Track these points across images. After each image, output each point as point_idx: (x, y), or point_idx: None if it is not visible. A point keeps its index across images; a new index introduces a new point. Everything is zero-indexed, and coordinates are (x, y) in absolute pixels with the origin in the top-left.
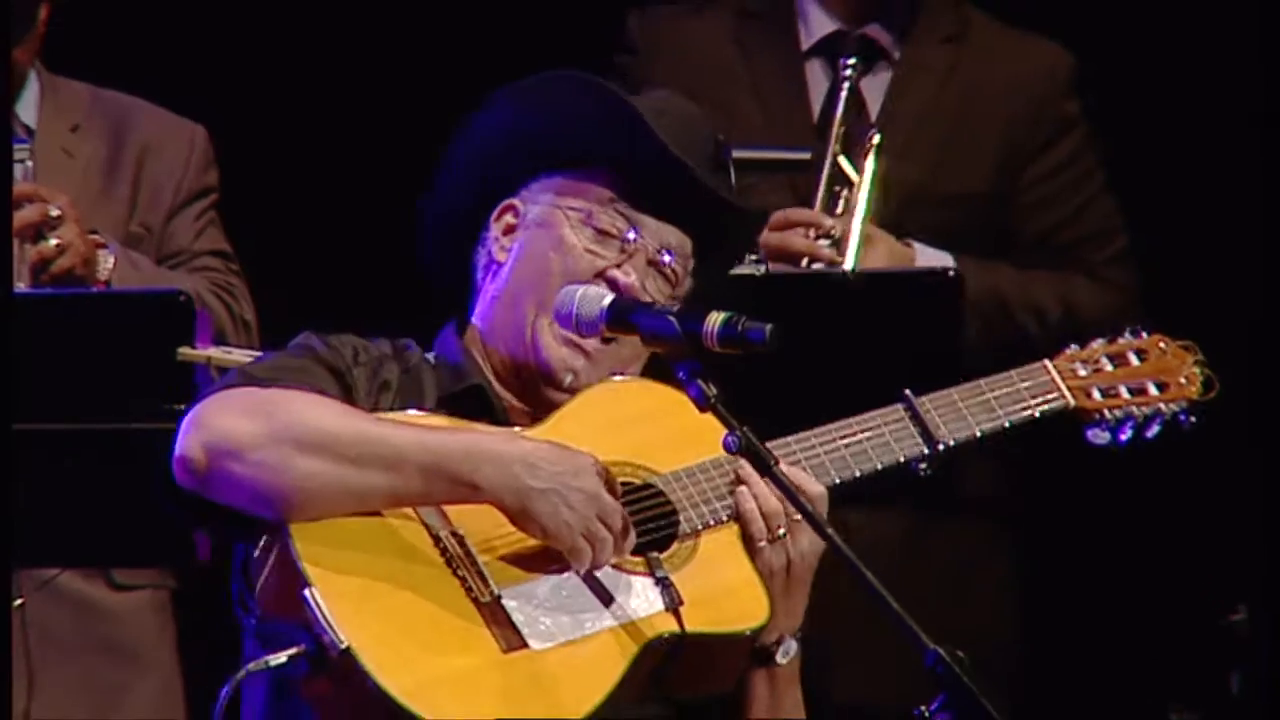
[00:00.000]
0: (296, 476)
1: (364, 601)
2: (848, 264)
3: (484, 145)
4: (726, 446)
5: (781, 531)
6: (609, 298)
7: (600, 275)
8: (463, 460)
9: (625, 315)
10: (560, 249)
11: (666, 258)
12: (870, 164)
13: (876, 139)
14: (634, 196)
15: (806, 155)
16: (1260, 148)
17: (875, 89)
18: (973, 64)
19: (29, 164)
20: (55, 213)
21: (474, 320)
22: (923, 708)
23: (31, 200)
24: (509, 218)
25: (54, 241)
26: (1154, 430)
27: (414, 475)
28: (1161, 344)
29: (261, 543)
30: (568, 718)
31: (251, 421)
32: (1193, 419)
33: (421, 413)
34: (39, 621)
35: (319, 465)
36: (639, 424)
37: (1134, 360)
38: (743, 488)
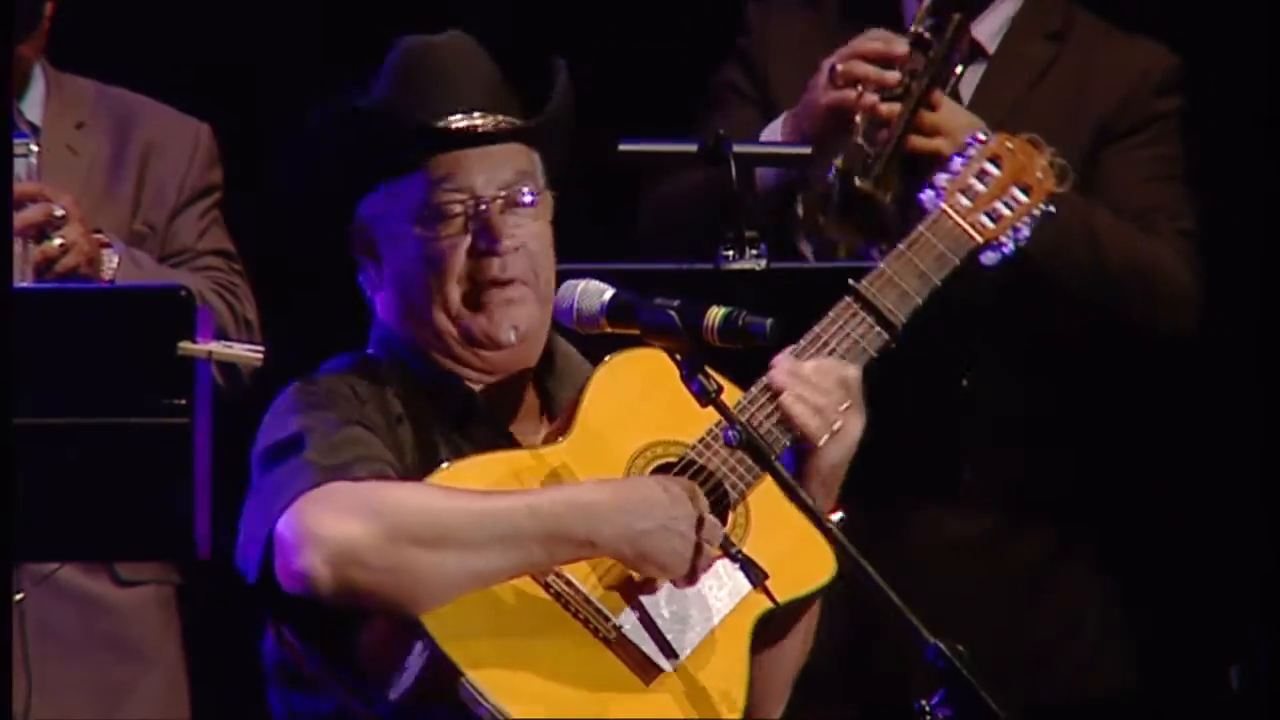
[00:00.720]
0: (423, 574)
1: (511, 673)
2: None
3: (303, 187)
4: (727, 440)
5: (838, 425)
6: (609, 293)
7: (472, 256)
8: (576, 521)
9: (625, 310)
10: (423, 255)
11: (526, 197)
12: (953, 30)
13: (957, 17)
14: (452, 159)
15: (808, 150)
16: None
17: (970, 84)
18: (1070, 62)
19: (33, 161)
20: (59, 212)
21: (395, 328)
22: (924, 702)
23: (35, 200)
24: (364, 240)
25: (58, 241)
26: (1025, 232)
27: (534, 547)
28: (1008, 143)
29: (370, 631)
30: None
31: (364, 524)
32: (1051, 209)
33: (476, 457)
34: (42, 618)
35: (442, 558)
36: (648, 398)
37: (994, 170)
38: (788, 396)
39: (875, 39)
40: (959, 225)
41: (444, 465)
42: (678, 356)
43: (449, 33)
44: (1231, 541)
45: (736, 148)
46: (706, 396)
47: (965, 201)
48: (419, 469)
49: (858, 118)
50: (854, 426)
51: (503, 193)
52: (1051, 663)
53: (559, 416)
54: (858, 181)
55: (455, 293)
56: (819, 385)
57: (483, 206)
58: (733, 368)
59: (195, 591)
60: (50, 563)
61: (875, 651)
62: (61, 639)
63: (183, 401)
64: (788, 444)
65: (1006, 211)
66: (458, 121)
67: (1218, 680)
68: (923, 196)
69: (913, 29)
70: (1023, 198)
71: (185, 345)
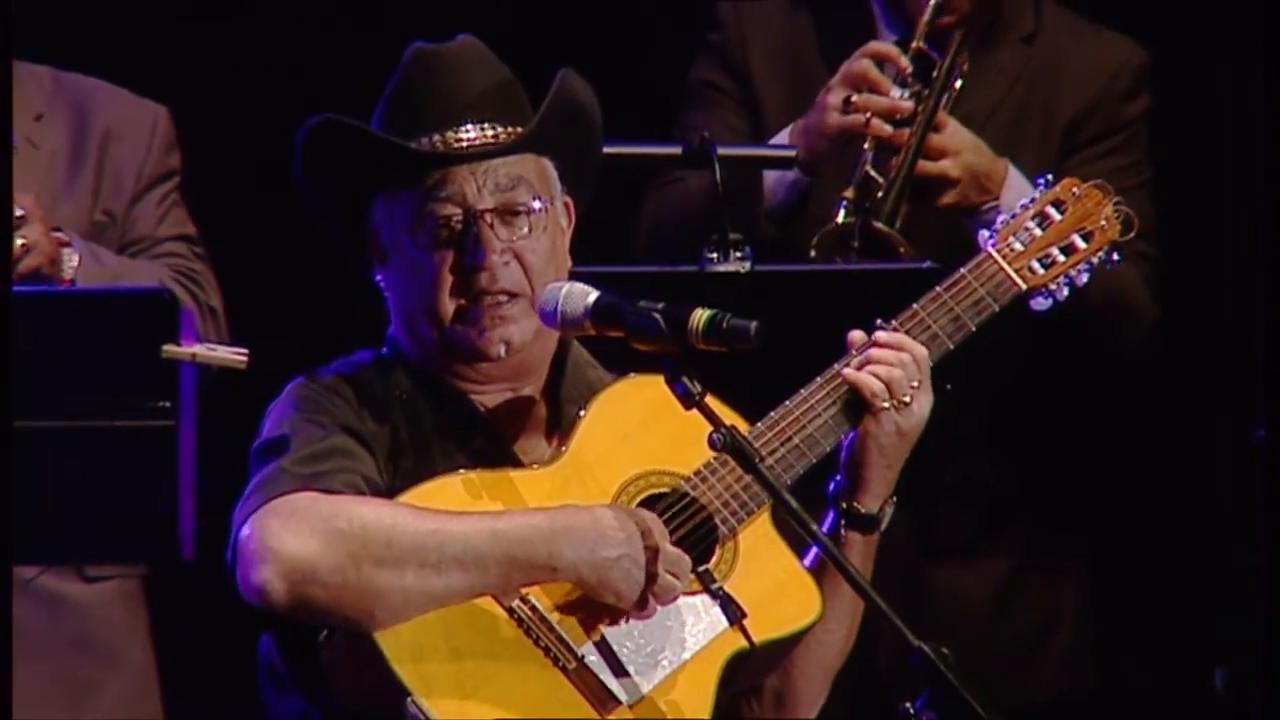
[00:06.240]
0: (380, 593)
1: (462, 698)
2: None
3: (316, 191)
4: (711, 444)
5: (908, 399)
6: (593, 296)
7: (461, 268)
8: (538, 545)
9: (610, 313)
10: (417, 266)
11: (522, 207)
12: (955, 48)
13: (959, 34)
14: (444, 171)
15: (793, 153)
16: None
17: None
18: (1043, 63)
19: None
20: (20, 213)
21: (401, 333)
22: (908, 704)
23: None
24: (376, 243)
25: (19, 241)
26: (1084, 278)
27: (493, 570)
28: (1074, 188)
29: (329, 641)
30: None
31: (324, 542)
32: (1115, 256)
33: (458, 474)
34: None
35: (400, 579)
36: (649, 426)
37: (1055, 215)
38: (860, 371)
39: (878, 53)
40: (1003, 270)
41: (424, 482)
42: (662, 359)
43: (459, 39)
44: (1217, 543)
45: (721, 150)
46: (690, 399)
47: (1017, 246)
48: (412, 479)
49: (866, 143)
50: (922, 405)
51: (496, 203)
52: (1026, 667)
53: (565, 432)
54: (877, 225)
55: (449, 305)
56: (886, 358)
57: (474, 217)
58: (719, 371)
59: (165, 586)
60: (34, 565)
61: (861, 654)
62: (28, 639)
63: (167, 404)
64: (826, 448)
65: (1061, 258)
66: (450, 135)
67: (1203, 681)
68: (978, 236)
69: (914, 45)
70: (1082, 244)
71: (169, 348)
